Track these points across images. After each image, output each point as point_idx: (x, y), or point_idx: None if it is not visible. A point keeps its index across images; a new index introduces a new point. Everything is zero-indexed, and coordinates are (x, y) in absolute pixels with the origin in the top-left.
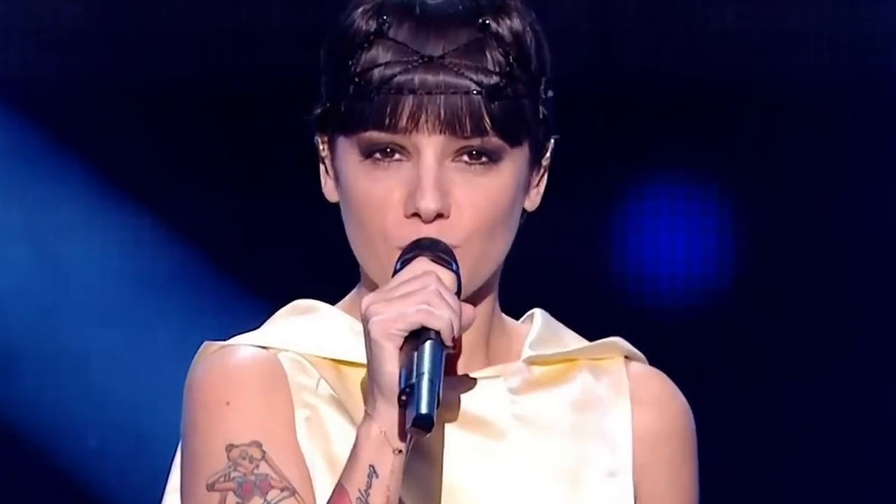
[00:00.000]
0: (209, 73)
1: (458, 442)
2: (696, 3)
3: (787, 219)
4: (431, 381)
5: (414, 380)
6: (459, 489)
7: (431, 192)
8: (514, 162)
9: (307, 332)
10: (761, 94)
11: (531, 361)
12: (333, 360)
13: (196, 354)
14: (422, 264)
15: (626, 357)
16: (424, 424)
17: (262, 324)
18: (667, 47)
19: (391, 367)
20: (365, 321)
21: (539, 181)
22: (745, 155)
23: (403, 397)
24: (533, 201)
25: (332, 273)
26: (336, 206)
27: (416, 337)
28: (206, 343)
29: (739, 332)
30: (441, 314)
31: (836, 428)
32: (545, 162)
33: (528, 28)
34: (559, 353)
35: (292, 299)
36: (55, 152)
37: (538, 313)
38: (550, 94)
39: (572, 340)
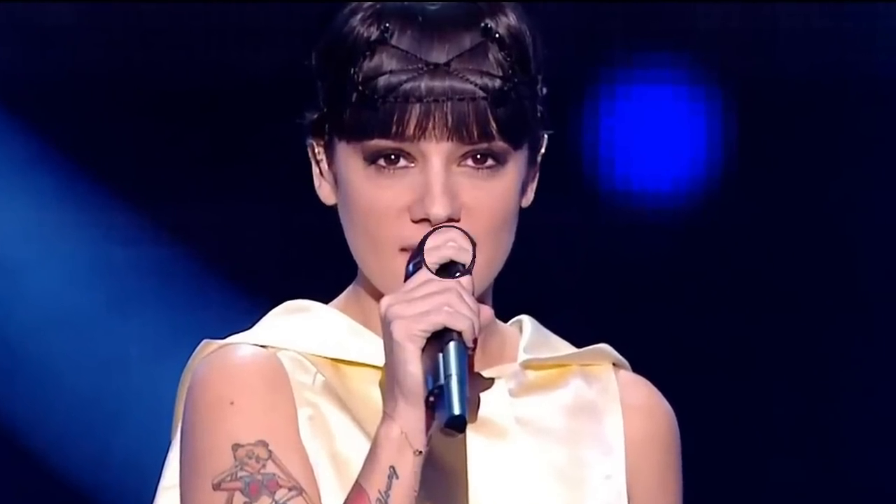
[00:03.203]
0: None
1: (462, 440)
2: None
3: None
4: (461, 382)
5: (442, 381)
6: (464, 487)
7: (441, 199)
8: (517, 162)
9: (305, 330)
10: None
11: (526, 365)
12: (333, 359)
13: (194, 353)
14: None
15: (613, 364)
16: (458, 425)
17: (254, 324)
18: None
19: (413, 368)
20: (385, 322)
21: (534, 177)
22: None
23: (432, 399)
24: (528, 198)
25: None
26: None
27: (437, 338)
28: (204, 341)
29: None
30: (463, 315)
31: None
32: (539, 158)
33: (524, 26)
34: (553, 358)
35: None
36: None
37: (526, 319)
38: (545, 91)
39: (563, 346)
